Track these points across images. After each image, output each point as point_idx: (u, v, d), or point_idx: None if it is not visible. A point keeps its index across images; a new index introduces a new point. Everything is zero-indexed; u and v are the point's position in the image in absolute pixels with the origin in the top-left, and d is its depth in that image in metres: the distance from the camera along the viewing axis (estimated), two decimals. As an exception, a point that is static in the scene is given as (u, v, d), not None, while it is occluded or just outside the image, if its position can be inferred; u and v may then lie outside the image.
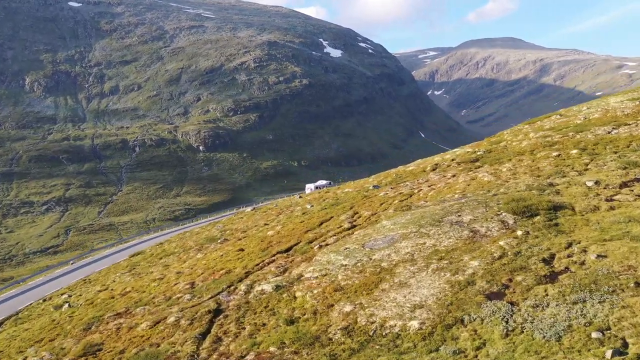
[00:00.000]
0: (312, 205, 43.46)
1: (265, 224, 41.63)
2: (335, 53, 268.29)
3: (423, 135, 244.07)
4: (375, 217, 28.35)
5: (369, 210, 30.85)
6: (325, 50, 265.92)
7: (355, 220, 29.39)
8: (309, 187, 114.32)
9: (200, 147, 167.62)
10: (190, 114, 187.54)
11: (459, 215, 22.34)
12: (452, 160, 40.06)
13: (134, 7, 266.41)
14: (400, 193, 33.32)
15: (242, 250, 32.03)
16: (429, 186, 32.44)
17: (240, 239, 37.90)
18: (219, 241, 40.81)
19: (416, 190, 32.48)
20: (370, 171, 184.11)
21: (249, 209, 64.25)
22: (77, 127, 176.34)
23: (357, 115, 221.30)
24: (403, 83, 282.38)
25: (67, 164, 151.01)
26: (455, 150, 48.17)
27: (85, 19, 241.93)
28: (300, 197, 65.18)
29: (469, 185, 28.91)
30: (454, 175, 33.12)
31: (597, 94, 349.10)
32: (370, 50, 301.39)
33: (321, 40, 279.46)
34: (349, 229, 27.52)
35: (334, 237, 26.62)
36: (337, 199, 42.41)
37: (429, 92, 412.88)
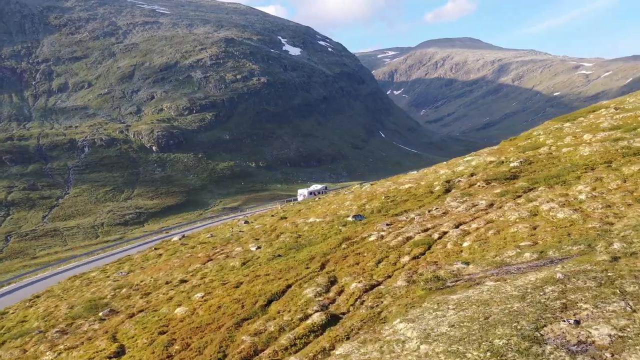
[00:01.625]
0: (260, 247, 30.17)
1: (183, 281, 27.49)
2: (294, 51, 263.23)
3: (383, 135, 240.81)
4: (375, 299, 14.74)
5: (358, 276, 17.31)
6: (284, 48, 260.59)
7: (334, 303, 15.70)
8: (302, 192, 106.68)
9: (154, 148, 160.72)
10: (143, 113, 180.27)
11: (578, 324, 8.85)
12: (472, 175, 29.68)
13: (85, 1, 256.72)
14: (407, 238, 20.35)
15: (118, 356, 18.06)
16: (456, 225, 20.01)
17: (132, 316, 22.84)
18: (101, 314, 25.33)
19: (436, 235, 19.58)
20: (330, 171, 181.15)
21: (176, 238, 52.88)
22: (22, 126, 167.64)
23: (317, 114, 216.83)
24: (363, 82, 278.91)
25: (10, 165, 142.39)
26: (467, 158, 36.96)
27: (33, 13, 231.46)
28: (277, 211, 58.38)
29: (534, 228, 16.87)
30: (491, 205, 21.71)
31: (555, 94, 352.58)
32: (329, 49, 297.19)
33: (280, 38, 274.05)
34: (322, 329, 13.78)
35: (295, 356, 12.64)
36: (298, 236, 29.95)
37: (389, 92, 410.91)
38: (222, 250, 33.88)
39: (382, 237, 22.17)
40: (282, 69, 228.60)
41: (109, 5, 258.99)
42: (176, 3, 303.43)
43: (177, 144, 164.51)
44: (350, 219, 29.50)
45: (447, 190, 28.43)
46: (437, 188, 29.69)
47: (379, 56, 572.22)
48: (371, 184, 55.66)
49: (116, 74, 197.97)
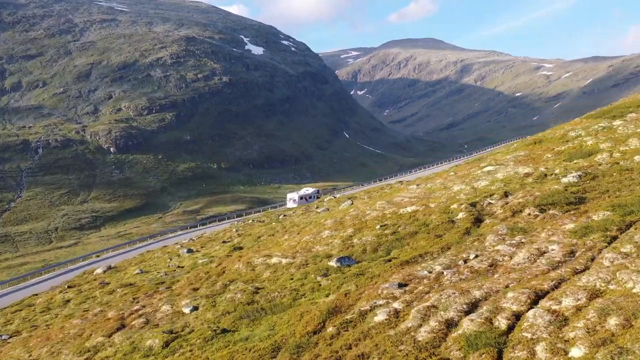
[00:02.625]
0: (197, 308, 20.55)
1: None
2: (257, 50, 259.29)
3: (347, 136, 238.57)
4: None
5: None
6: (246, 47, 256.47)
7: None
8: (292, 197, 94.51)
9: (111, 149, 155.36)
10: (100, 113, 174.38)
11: None
12: (506, 195, 21.59)
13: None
14: (447, 324, 11.50)
15: None
16: (531, 298, 11.48)
17: None
18: None
19: (502, 322, 10.87)
20: (294, 173, 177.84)
21: (100, 270, 44.01)
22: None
23: (280, 114, 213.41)
24: (327, 82, 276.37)
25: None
26: (488, 168, 28.03)
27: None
28: (231, 234, 47.65)
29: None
30: (571, 253, 13.90)
31: (517, 94, 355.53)
32: (292, 48, 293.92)
33: (242, 36, 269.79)
34: None
35: None
36: (255, 289, 20.19)
37: (352, 92, 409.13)
38: (144, 306, 23.13)
39: (397, 315, 12.70)
40: (244, 68, 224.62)
41: (65, 2, 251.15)
42: (135, 1, 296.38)
43: (136, 144, 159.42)
44: (333, 263, 19.65)
45: (478, 220, 19.80)
46: (461, 216, 20.68)
47: (342, 56, 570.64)
48: (350, 200, 45.56)
49: (72, 72, 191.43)
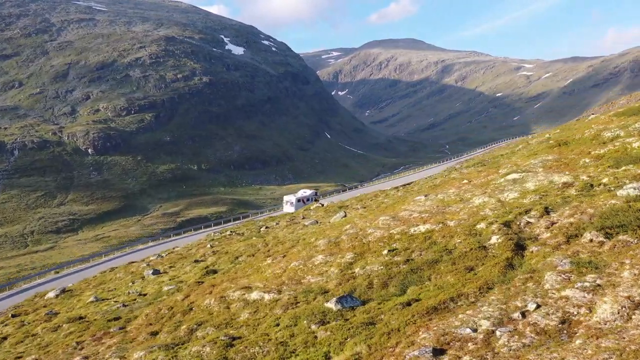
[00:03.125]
0: None
1: None
2: (238, 50, 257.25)
3: (329, 136, 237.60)
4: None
5: None
6: (226, 47, 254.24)
7: None
8: (289, 200, 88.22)
9: (89, 150, 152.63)
10: (78, 114, 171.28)
11: None
12: (547, 211, 17.27)
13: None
14: None
15: None
16: None
17: None
18: None
19: None
20: (275, 174, 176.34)
21: (52, 294, 39.04)
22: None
23: (261, 115, 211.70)
24: (308, 82, 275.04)
25: None
26: (513, 176, 23.64)
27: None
28: (206, 250, 40.07)
29: None
30: None
31: (497, 94, 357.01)
32: (273, 49, 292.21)
33: (222, 36, 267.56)
34: None
35: None
36: (229, 340, 14.77)
37: (333, 93, 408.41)
38: (87, 358, 17.81)
39: None
40: (225, 68, 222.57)
41: (42, 1, 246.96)
42: (114, 0, 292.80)
43: (115, 146, 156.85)
44: (332, 304, 14.74)
45: (520, 247, 15.05)
46: (495, 240, 15.79)
47: (323, 57, 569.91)
48: (343, 211, 37.47)
49: (49, 72, 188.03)
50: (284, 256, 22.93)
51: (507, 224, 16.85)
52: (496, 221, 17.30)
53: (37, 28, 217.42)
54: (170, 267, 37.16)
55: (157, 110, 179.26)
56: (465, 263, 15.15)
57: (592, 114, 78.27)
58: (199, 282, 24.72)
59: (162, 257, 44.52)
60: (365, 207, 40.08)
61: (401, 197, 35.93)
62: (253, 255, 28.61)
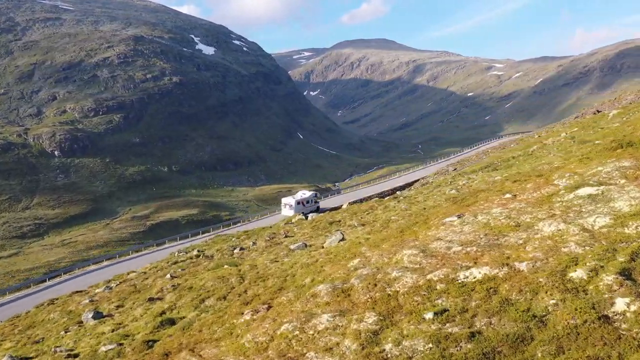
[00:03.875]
0: None
1: None
2: (208, 50, 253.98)
3: (302, 137, 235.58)
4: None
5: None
6: (197, 47, 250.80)
7: None
8: (287, 202, 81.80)
9: (56, 152, 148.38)
10: (44, 115, 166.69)
11: None
12: None
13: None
14: None
15: None
16: None
17: None
18: None
19: None
20: (248, 175, 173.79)
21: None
22: None
23: (233, 115, 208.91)
24: (280, 82, 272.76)
25: None
26: (587, 190, 17.09)
27: None
28: (163, 283, 30.70)
29: None
30: None
31: (469, 94, 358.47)
32: (244, 48, 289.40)
33: (192, 36, 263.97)
34: None
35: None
36: None
37: (305, 93, 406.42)
38: None
39: None
40: (195, 68, 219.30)
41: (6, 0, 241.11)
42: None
43: (82, 148, 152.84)
44: None
45: None
46: (624, 305, 9.45)
47: (294, 57, 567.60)
48: (340, 232, 30.40)
49: (14, 73, 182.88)
50: (269, 307, 15.75)
51: (626, 273, 10.48)
52: (601, 266, 11.09)
53: (1, 27, 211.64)
54: (118, 306, 29.16)
55: (126, 111, 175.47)
56: (585, 351, 8.58)
57: (598, 110, 76.12)
58: (148, 342, 17.97)
59: (112, 288, 36.26)
60: (364, 225, 34.10)
61: (414, 215, 28.62)
62: (224, 299, 22.21)
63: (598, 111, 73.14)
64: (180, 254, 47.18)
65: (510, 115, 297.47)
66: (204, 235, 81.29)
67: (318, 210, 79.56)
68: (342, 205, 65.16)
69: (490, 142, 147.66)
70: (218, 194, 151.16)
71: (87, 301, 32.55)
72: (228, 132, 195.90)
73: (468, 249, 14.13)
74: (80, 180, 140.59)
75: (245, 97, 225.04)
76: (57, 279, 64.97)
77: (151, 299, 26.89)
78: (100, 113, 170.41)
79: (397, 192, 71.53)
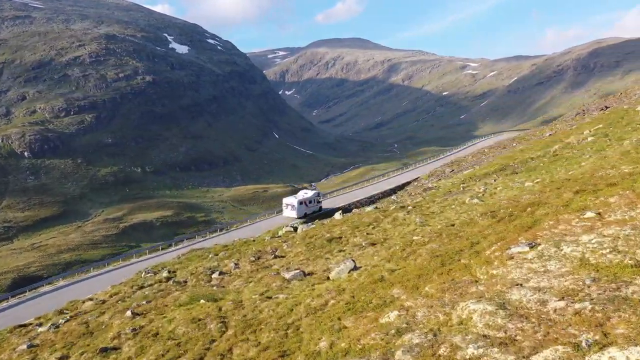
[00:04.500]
0: None
1: None
2: (182, 49, 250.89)
3: (277, 136, 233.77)
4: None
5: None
6: (170, 46, 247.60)
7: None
8: (289, 202, 77.06)
9: (25, 153, 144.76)
10: (13, 115, 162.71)
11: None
12: None
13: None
14: None
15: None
16: None
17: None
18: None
19: None
20: (223, 175, 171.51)
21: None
22: None
23: (207, 115, 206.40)
24: (255, 82, 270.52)
25: None
26: None
27: None
28: (123, 324, 22.79)
29: None
30: None
31: (444, 93, 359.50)
32: (219, 47, 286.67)
33: (166, 35, 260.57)
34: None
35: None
36: None
37: (280, 92, 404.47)
38: None
39: None
40: (169, 67, 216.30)
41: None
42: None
43: (53, 148, 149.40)
44: None
45: None
46: None
47: (269, 56, 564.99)
48: (352, 260, 21.83)
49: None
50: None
51: None
52: None
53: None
54: (60, 358, 21.26)
55: (97, 110, 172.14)
56: None
57: (606, 106, 73.85)
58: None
59: (59, 326, 27.13)
60: (374, 244, 27.36)
61: (445, 235, 22.37)
62: (202, 360, 15.96)
63: (606, 107, 71.19)
64: (148, 274, 39.21)
65: (485, 114, 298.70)
66: (175, 248, 71.67)
67: (320, 210, 77.29)
68: (340, 208, 61.00)
69: (482, 141, 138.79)
70: (193, 194, 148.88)
71: (24, 347, 24.32)
72: (203, 132, 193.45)
73: (577, 306, 8.66)
74: (51, 182, 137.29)
75: (219, 97, 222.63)
76: (17, 298, 56.04)
77: (104, 350, 20.11)
78: (72, 113, 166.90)
79: (392, 197, 68.02)
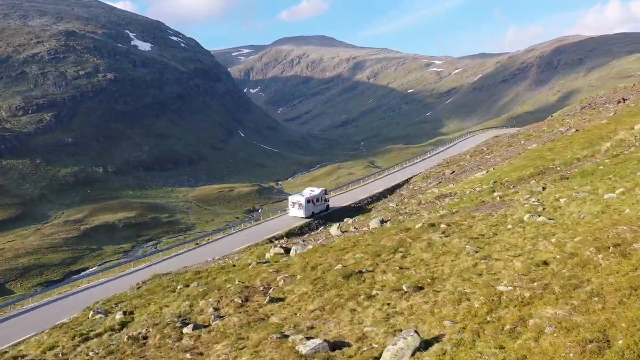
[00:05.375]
0: None
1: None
2: (144, 46, 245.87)
3: (243, 135, 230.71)
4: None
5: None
6: (132, 43, 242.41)
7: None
8: (296, 200, 72.57)
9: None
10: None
11: None
12: None
13: None
14: None
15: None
16: None
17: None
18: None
19: None
20: (188, 175, 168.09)
21: None
22: None
23: (171, 113, 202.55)
24: (219, 80, 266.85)
25: None
26: None
27: None
28: None
29: None
30: None
31: (409, 91, 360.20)
32: (183, 45, 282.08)
33: (128, 32, 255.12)
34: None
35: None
36: None
37: (245, 91, 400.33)
38: None
39: None
40: (131, 65, 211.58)
41: None
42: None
43: (10, 148, 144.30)
44: None
45: None
46: None
47: (234, 54, 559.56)
48: (413, 341, 12.56)
49: None
50: None
51: None
52: None
53: None
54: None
55: (57, 109, 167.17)
56: None
57: (624, 98, 70.95)
58: None
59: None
60: (422, 288, 19.26)
61: (531, 279, 16.47)
62: None
63: (624, 99, 69.22)
64: (98, 314, 29.49)
65: (451, 111, 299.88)
66: (135, 269, 59.29)
67: (328, 209, 74.76)
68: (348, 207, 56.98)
69: (465, 139, 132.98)
70: (157, 195, 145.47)
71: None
72: (167, 131, 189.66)
73: None
74: (9, 183, 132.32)
75: (184, 95, 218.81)
76: None
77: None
78: (30, 112, 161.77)
79: (391, 205, 63.25)
